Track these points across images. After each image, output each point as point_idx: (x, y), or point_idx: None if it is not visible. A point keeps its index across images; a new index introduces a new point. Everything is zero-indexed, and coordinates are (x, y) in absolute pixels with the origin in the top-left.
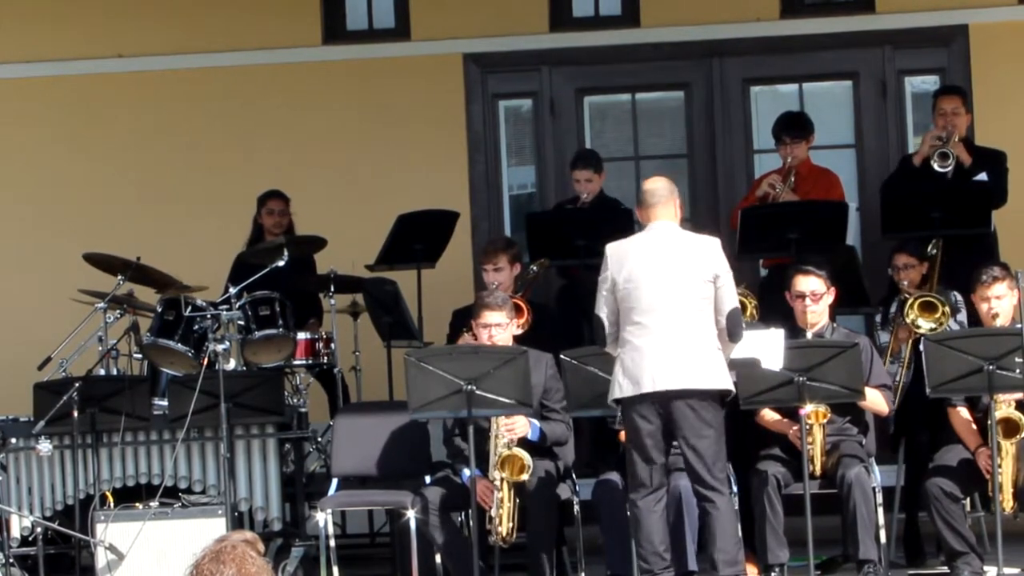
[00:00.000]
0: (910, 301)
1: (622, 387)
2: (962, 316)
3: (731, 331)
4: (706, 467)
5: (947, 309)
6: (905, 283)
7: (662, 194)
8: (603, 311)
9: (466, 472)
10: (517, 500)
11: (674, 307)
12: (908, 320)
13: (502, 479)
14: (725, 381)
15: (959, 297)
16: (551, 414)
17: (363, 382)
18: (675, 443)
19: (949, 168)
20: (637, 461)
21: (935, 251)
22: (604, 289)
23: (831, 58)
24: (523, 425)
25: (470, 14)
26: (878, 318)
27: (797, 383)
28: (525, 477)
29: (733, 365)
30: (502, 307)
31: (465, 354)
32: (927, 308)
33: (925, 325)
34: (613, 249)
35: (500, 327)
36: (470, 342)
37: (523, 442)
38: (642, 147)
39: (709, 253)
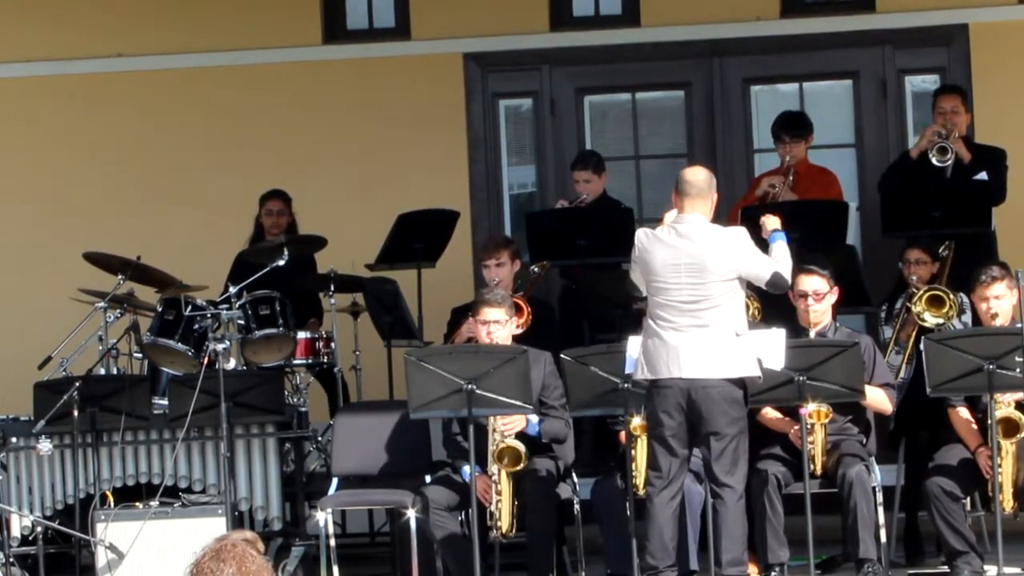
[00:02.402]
0: (919, 294)
1: (643, 368)
2: (967, 317)
3: (779, 289)
4: (722, 464)
5: (953, 300)
6: (914, 278)
7: (700, 187)
8: (634, 277)
9: (466, 469)
10: (516, 495)
11: (695, 306)
12: (915, 311)
13: (499, 471)
14: (744, 367)
15: (965, 298)
16: (549, 411)
17: (363, 381)
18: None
19: (948, 163)
20: (662, 454)
21: (947, 252)
22: (633, 262)
23: (831, 58)
24: (520, 419)
25: (470, 13)
26: (882, 313)
27: (798, 382)
28: (521, 467)
29: None
30: (501, 304)
31: (465, 354)
32: (934, 302)
33: (931, 320)
34: (641, 236)
35: (499, 324)
36: (471, 330)
37: (522, 436)
38: (642, 147)
39: (730, 248)
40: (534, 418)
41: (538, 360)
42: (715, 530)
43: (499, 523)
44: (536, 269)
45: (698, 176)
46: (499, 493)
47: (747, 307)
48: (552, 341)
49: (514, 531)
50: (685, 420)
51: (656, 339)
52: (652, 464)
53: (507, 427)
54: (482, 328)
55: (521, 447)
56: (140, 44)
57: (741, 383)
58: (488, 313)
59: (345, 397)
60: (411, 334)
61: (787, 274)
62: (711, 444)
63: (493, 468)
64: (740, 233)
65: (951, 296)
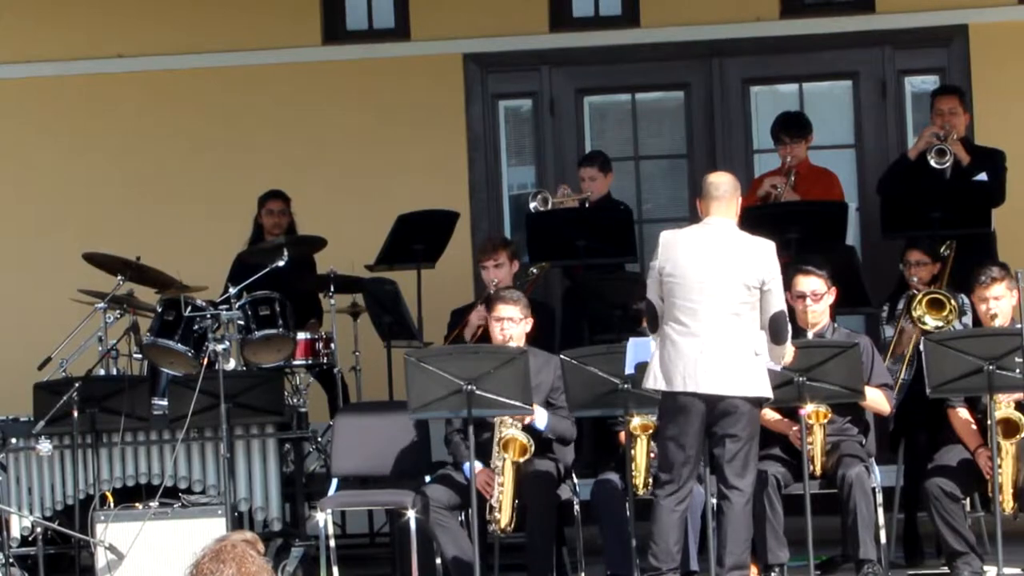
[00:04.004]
0: (918, 297)
1: (656, 379)
2: (967, 319)
3: (773, 335)
4: (733, 467)
5: (954, 306)
6: (915, 279)
7: (726, 188)
8: (653, 295)
9: (467, 466)
10: (517, 491)
11: (716, 310)
12: (915, 316)
13: (503, 461)
14: (759, 388)
15: (966, 299)
16: (557, 411)
17: (363, 382)
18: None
19: (946, 165)
20: (675, 458)
21: (948, 252)
22: (653, 273)
23: (831, 58)
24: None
25: (470, 14)
26: (884, 313)
27: (797, 383)
28: (526, 458)
29: None
30: (517, 302)
31: (465, 354)
32: (935, 305)
33: (932, 323)
34: (666, 238)
35: (512, 321)
36: (480, 318)
37: (527, 432)
38: (642, 147)
39: (760, 257)
40: (545, 412)
41: (548, 363)
42: (719, 531)
43: (499, 516)
44: (535, 270)
45: (723, 179)
46: (501, 485)
47: None
48: (553, 342)
49: (512, 526)
50: (702, 425)
51: (673, 348)
52: (664, 466)
53: (515, 418)
54: (496, 324)
55: (526, 438)
56: (140, 45)
57: (757, 400)
58: (503, 310)
59: (345, 398)
60: (411, 335)
61: (788, 335)
62: (726, 445)
63: (497, 461)
64: (771, 246)
65: (952, 301)
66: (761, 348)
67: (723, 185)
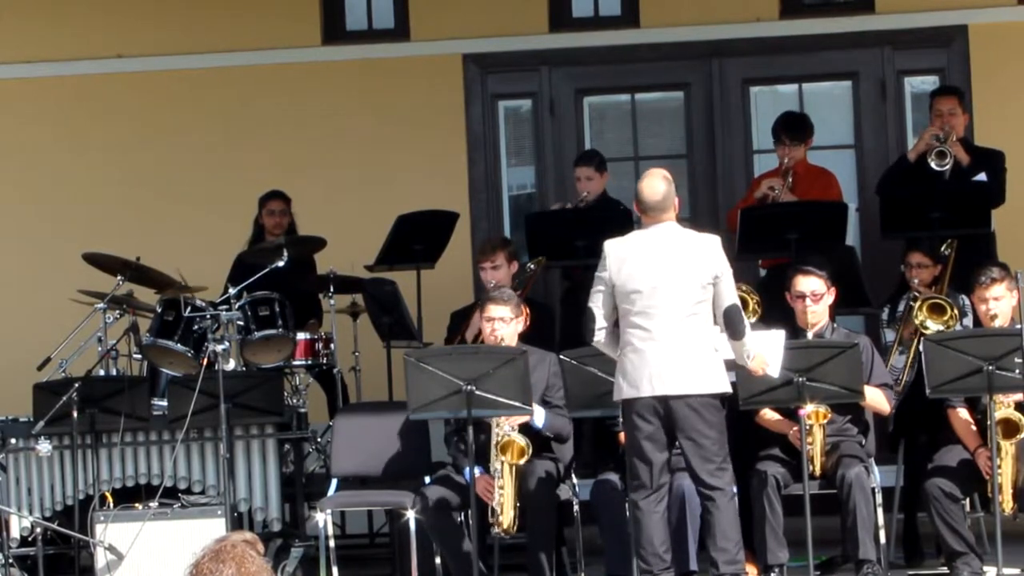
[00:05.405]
0: (919, 303)
1: (622, 389)
2: (968, 320)
3: (729, 329)
4: (707, 467)
5: (955, 312)
6: (916, 282)
7: (662, 205)
8: (596, 305)
9: (467, 471)
10: (518, 491)
11: (673, 311)
12: (917, 321)
13: (502, 464)
14: (722, 384)
15: (967, 300)
16: (552, 409)
17: (363, 382)
18: (676, 443)
19: (946, 167)
20: (636, 461)
21: (949, 251)
22: (600, 284)
23: (831, 58)
24: None
25: (470, 14)
26: (884, 315)
27: (797, 383)
28: (524, 460)
29: (731, 365)
30: (507, 302)
31: (465, 354)
32: (936, 310)
33: (933, 327)
34: (612, 248)
35: (503, 321)
36: (479, 323)
37: (525, 430)
38: (642, 147)
39: (708, 253)
40: (542, 410)
41: (543, 360)
42: (709, 535)
43: (501, 519)
44: (532, 266)
45: (656, 193)
46: (501, 487)
47: (746, 303)
48: (552, 343)
49: (515, 528)
50: (662, 425)
51: (635, 355)
52: (632, 475)
53: (509, 420)
54: (487, 325)
55: (524, 440)
56: (140, 45)
57: (716, 396)
58: (493, 310)
59: (344, 398)
60: (410, 335)
61: (744, 330)
62: (693, 450)
63: (496, 464)
64: (716, 240)
65: (953, 309)
66: (720, 344)
67: (655, 202)
